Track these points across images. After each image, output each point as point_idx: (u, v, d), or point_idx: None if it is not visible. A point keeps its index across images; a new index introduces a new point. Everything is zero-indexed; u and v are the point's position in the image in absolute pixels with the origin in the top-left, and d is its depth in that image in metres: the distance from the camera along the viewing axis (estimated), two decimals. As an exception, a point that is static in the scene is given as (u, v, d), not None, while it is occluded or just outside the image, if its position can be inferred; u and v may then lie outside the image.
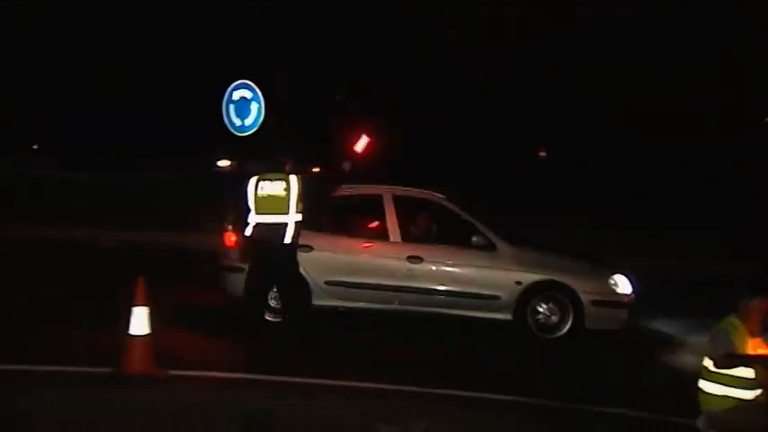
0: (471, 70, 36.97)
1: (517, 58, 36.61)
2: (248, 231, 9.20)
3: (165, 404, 6.92)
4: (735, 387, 6.15)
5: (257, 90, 17.63)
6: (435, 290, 10.22)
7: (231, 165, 36.95)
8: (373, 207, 10.54)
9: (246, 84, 18.15)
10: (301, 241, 10.03)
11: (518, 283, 10.16)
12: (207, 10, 37.51)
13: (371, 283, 10.22)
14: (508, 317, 10.21)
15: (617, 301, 10.16)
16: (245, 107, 17.84)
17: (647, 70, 34.79)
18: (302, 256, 10.07)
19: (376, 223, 10.61)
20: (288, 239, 9.08)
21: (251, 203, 9.11)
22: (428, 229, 10.74)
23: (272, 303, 10.11)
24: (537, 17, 33.97)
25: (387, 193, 10.56)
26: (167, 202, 22.88)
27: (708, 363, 6.29)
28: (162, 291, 8.63)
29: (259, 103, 17.78)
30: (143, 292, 7.67)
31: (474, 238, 10.30)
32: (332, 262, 10.26)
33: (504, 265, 10.22)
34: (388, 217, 10.42)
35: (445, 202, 10.63)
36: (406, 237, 10.44)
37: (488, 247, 10.32)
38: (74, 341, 8.70)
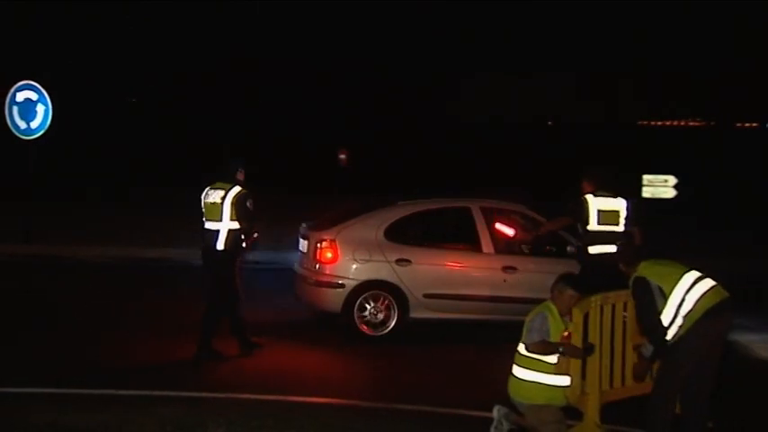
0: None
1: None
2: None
3: None
4: (541, 372, 6.41)
5: (43, 91, 17.07)
6: (530, 299, 10.51)
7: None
8: (462, 219, 10.77)
9: (31, 85, 17.57)
10: (399, 255, 10.23)
11: None
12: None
13: (469, 294, 10.45)
14: None
15: None
16: (31, 109, 17.32)
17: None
18: (399, 270, 10.26)
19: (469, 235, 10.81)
20: (220, 246, 9.04)
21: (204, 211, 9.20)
22: (514, 239, 11.04)
23: (370, 318, 10.26)
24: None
25: (474, 205, 10.82)
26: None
27: (521, 347, 6.53)
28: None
29: (46, 105, 17.25)
30: None
31: (568, 247, 10.65)
32: (429, 275, 10.43)
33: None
34: (479, 229, 10.66)
35: (530, 212, 10.97)
36: (498, 248, 10.74)
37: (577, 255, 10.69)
38: None
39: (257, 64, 40.45)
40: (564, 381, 6.53)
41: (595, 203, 9.71)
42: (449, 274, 10.50)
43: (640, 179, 26.67)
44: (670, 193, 26.60)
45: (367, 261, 10.29)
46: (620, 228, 9.75)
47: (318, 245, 10.40)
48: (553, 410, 6.48)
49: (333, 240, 10.31)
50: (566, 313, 6.61)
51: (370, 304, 10.29)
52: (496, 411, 6.66)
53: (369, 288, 10.28)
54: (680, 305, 6.38)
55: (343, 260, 10.23)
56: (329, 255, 10.30)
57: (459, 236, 10.80)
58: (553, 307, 6.56)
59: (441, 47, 41.31)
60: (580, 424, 7.09)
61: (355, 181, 29.68)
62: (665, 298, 6.41)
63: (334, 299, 10.24)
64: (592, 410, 7.09)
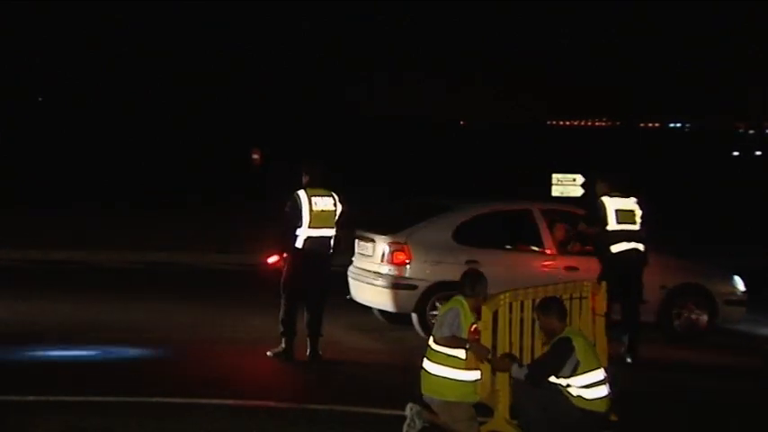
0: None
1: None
2: (299, 244, 9.36)
3: None
4: (452, 368, 6.53)
5: None
6: (590, 298, 10.89)
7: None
8: (525, 221, 11.08)
9: None
10: (468, 257, 10.50)
11: (662, 287, 11.06)
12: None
13: None
14: (651, 319, 11.07)
15: (740, 299, 11.37)
16: None
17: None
18: (468, 271, 10.49)
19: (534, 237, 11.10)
20: (331, 251, 9.56)
21: (305, 218, 9.27)
22: (568, 239, 11.38)
23: None
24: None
25: (534, 207, 11.16)
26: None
27: (432, 342, 6.68)
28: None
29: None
30: None
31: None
32: (496, 276, 10.63)
33: (651, 272, 11.06)
34: (541, 230, 10.99)
35: (580, 212, 11.34)
36: (560, 249, 11.06)
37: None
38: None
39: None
40: (474, 375, 6.66)
41: (612, 204, 10.17)
42: (515, 275, 10.71)
43: (549, 178, 27.41)
44: (578, 191, 27.49)
45: (438, 263, 10.53)
46: (638, 227, 10.20)
47: (390, 248, 10.57)
48: (465, 407, 6.64)
49: (405, 243, 10.49)
50: (477, 309, 6.76)
51: (441, 304, 10.48)
52: (409, 409, 6.75)
53: (440, 289, 10.46)
54: (575, 385, 6.52)
55: (416, 262, 10.43)
56: (401, 257, 10.48)
57: (524, 237, 11.13)
58: (464, 302, 6.68)
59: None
60: (491, 420, 7.16)
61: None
62: (574, 372, 6.51)
63: (407, 300, 10.47)
64: (502, 406, 7.15)
